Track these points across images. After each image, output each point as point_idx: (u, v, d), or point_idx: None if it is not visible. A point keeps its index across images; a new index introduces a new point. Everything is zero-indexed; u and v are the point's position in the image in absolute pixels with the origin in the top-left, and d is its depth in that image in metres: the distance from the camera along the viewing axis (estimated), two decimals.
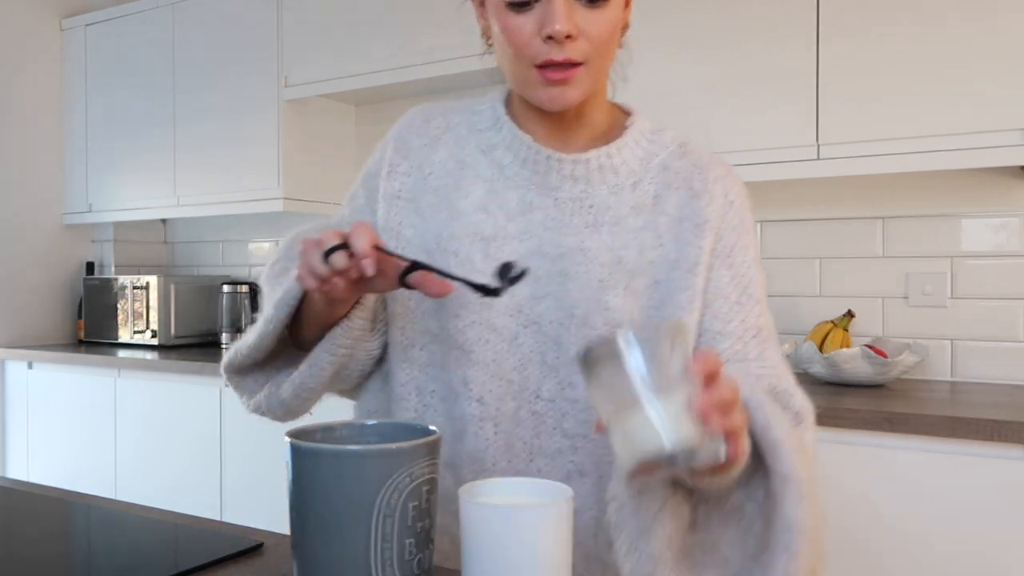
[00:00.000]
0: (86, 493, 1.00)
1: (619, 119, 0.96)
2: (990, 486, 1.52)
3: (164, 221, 3.65)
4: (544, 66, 0.82)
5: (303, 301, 0.85)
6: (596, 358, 0.62)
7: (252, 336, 0.88)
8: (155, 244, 3.62)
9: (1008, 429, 1.48)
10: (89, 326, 3.27)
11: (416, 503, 0.61)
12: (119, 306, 3.17)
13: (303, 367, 0.87)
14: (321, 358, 0.86)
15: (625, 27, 0.90)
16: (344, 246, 0.73)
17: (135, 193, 3.17)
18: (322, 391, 0.90)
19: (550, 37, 0.80)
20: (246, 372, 0.92)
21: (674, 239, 0.88)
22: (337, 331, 0.85)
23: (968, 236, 2.08)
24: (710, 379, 0.63)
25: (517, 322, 0.87)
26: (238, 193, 2.88)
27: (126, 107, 3.20)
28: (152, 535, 0.83)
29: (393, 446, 0.60)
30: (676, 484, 0.77)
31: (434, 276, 0.76)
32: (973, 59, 1.78)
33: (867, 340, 2.17)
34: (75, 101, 3.36)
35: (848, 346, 2.07)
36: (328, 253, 0.73)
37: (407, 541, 0.61)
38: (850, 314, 2.15)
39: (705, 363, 0.63)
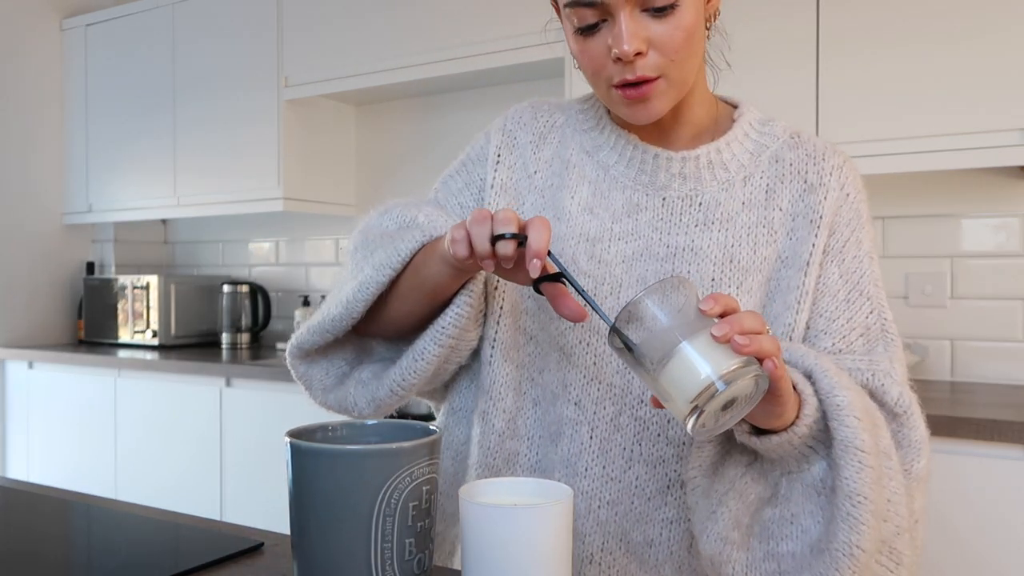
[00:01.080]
0: (86, 493, 1.00)
1: (725, 112, 0.93)
2: (990, 486, 1.52)
3: (164, 221, 3.65)
4: (619, 86, 0.80)
5: (403, 272, 0.82)
6: (621, 329, 0.65)
7: (335, 308, 0.84)
8: (155, 244, 3.63)
9: (1008, 429, 1.48)
10: (89, 326, 3.27)
11: (416, 503, 0.61)
12: (119, 306, 3.17)
13: (406, 360, 0.84)
14: (428, 349, 0.83)
15: (715, 14, 0.87)
16: (516, 236, 0.70)
17: (135, 193, 3.17)
18: (420, 387, 0.88)
19: (619, 59, 0.78)
20: (313, 359, 0.90)
21: (788, 235, 0.85)
22: (448, 318, 0.82)
23: (968, 236, 2.08)
24: (727, 313, 0.65)
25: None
26: (238, 193, 2.88)
27: (126, 107, 3.20)
28: (152, 535, 0.83)
29: (393, 446, 0.60)
30: (750, 463, 0.78)
31: (571, 295, 0.72)
32: (973, 59, 1.78)
33: None
34: (75, 101, 3.36)
35: None
36: (497, 238, 0.71)
37: (407, 541, 0.61)
38: None
39: (716, 300, 0.65)
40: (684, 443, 0.83)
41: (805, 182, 0.87)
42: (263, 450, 2.50)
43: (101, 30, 3.28)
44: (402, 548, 0.61)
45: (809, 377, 0.74)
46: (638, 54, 0.78)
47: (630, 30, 0.77)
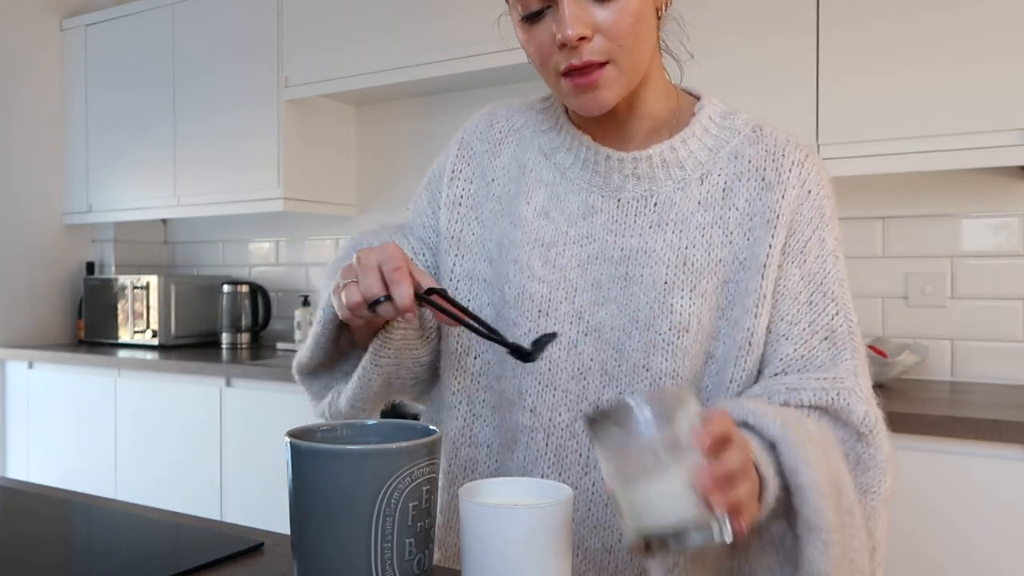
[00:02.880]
0: (86, 493, 1.00)
1: (686, 105, 0.91)
2: (990, 486, 1.52)
3: (164, 221, 3.65)
4: (567, 73, 0.79)
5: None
6: (604, 420, 0.61)
7: (309, 340, 0.88)
8: (155, 244, 3.62)
9: (1008, 429, 1.48)
10: (89, 326, 3.27)
11: (416, 503, 0.61)
12: (119, 306, 3.17)
13: (353, 379, 0.86)
14: (368, 370, 0.85)
15: (666, 2, 0.86)
16: (388, 298, 0.73)
17: (135, 193, 3.17)
18: (378, 400, 0.89)
19: (563, 44, 0.77)
20: (315, 374, 0.92)
21: (744, 236, 0.83)
22: (378, 344, 0.84)
23: (968, 236, 2.08)
24: (718, 446, 0.60)
25: (577, 329, 0.83)
26: (238, 193, 2.88)
27: (126, 107, 3.20)
28: (152, 535, 0.83)
29: (393, 446, 0.60)
30: None
31: (442, 310, 0.75)
32: (973, 59, 1.78)
33: (867, 340, 2.16)
34: (75, 101, 3.36)
35: None
36: (373, 305, 0.74)
37: (407, 541, 0.61)
38: None
39: (713, 427, 0.59)
40: None
41: (763, 180, 0.84)
42: (263, 450, 2.50)
43: (101, 30, 3.28)
44: (402, 548, 0.61)
45: (773, 447, 0.71)
46: (582, 39, 0.76)
47: (573, 14, 0.76)
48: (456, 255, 0.90)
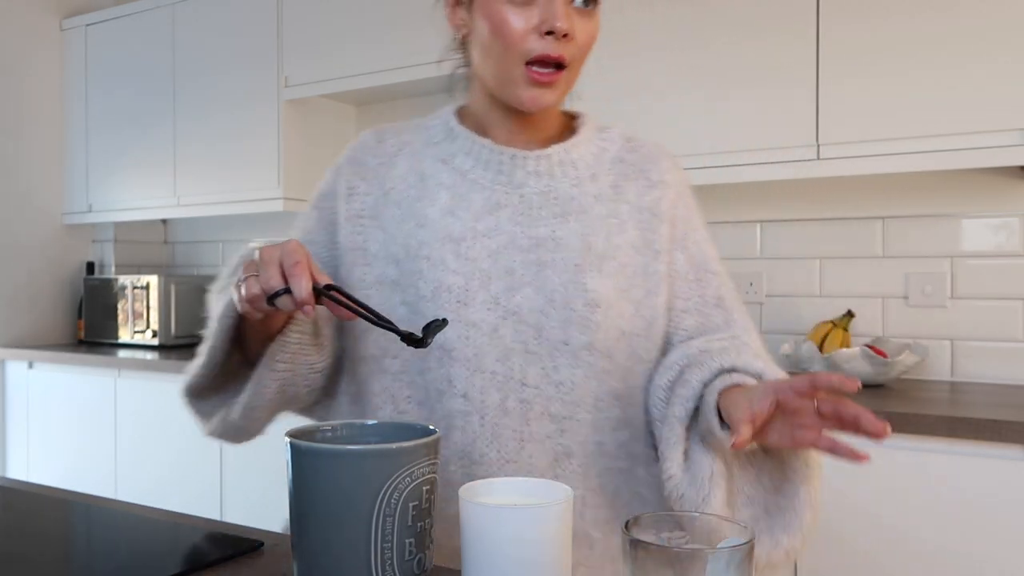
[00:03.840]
0: (86, 493, 1.00)
1: (567, 121, 1.02)
2: (990, 486, 1.52)
3: (164, 221, 3.65)
4: (535, 62, 0.86)
5: (243, 318, 0.85)
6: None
7: (203, 356, 0.89)
8: (155, 244, 3.62)
9: (1008, 429, 1.48)
10: (89, 326, 3.27)
11: (416, 503, 0.61)
12: (119, 306, 3.17)
13: (248, 387, 0.88)
14: (263, 375, 0.87)
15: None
16: (287, 291, 0.74)
17: (135, 193, 3.17)
18: (272, 410, 0.91)
19: (550, 32, 0.84)
20: (204, 395, 0.94)
21: (636, 226, 0.95)
22: (274, 347, 0.86)
23: (968, 236, 2.08)
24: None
25: (495, 315, 0.89)
26: (238, 193, 2.88)
27: (126, 107, 3.20)
28: (152, 535, 0.83)
29: (393, 446, 0.60)
30: (717, 450, 0.86)
31: (339, 304, 0.77)
32: (973, 59, 1.78)
33: (867, 340, 2.16)
34: (75, 101, 3.36)
35: (848, 346, 2.07)
36: (272, 298, 0.75)
37: (407, 541, 0.61)
38: (850, 314, 2.15)
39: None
40: (564, 417, 0.89)
41: (648, 179, 0.97)
42: (263, 450, 2.50)
43: (101, 30, 3.28)
44: (402, 548, 0.61)
45: (759, 378, 0.86)
46: (566, 35, 0.85)
47: (564, 11, 0.85)
48: (364, 265, 0.95)
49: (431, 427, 0.66)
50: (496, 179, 0.94)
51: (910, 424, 1.56)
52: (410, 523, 0.61)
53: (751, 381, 0.85)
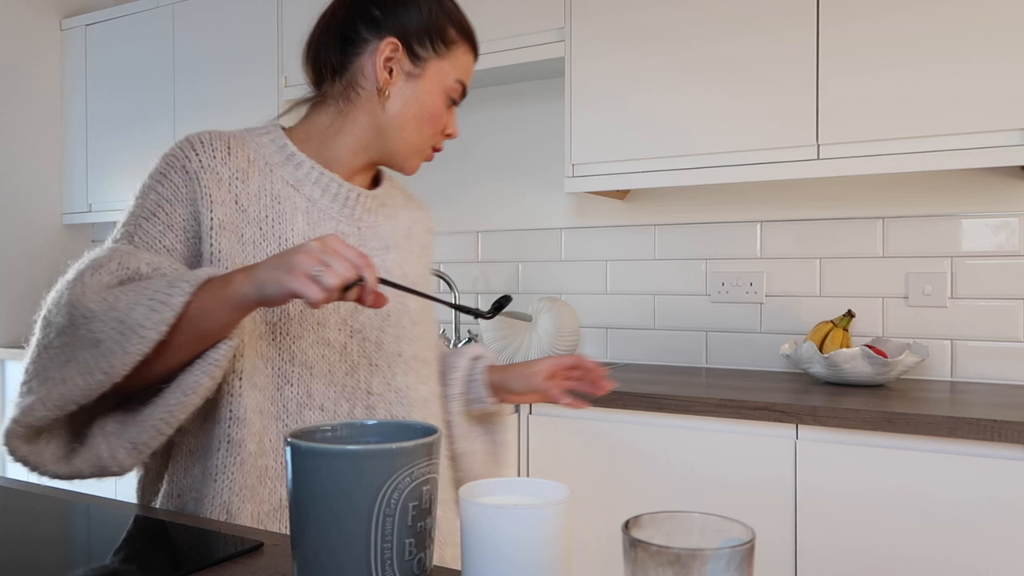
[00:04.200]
0: (86, 493, 1.00)
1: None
2: (990, 486, 1.52)
3: None
4: (436, 149, 1.10)
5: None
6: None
7: (87, 377, 0.82)
8: None
9: (1008, 429, 1.48)
10: None
11: (416, 503, 0.61)
12: None
13: (173, 396, 0.85)
14: (199, 381, 0.85)
15: None
16: (361, 280, 0.83)
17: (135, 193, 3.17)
18: (184, 419, 0.87)
19: (448, 135, 1.10)
20: (34, 437, 0.85)
21: (421, 259, 1.17)
22: (221, 351, 0.86)
23: (968, 236, 2.08)
24: None
25: (344, 333, 1.01)
26: None
27: (126, 107, 3.20)
28: (152, 535, 0.83)
29: (393, 446, 0.60)
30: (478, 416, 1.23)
31: (402, 289, 0.93)
32: (973, 59, 1.78)
33: (867, 340, 2.16)
34: (75, 101, 3.36)
35: (848, 346, 2.07)
36: (347, 287, 0.82)
37: (407, 541, 0.61)
38: (850, 314, 2.15)
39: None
40: (403, 416, 1.05)
41: (423, 224, 1.21)
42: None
43: (101, 30, 3.28)
44: (402, 548, 0.61)
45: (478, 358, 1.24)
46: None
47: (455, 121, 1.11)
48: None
49: (431, 427, 0.66)
50: (341, 211, 1.05)
51: (910, 424, 1.56)
52: (410, 523, 0.61)
53: (494, 362, 1.22)
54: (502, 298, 1.03)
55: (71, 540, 0.83)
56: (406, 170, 1.09)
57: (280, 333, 0.97)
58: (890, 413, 1.59)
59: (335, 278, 0.80)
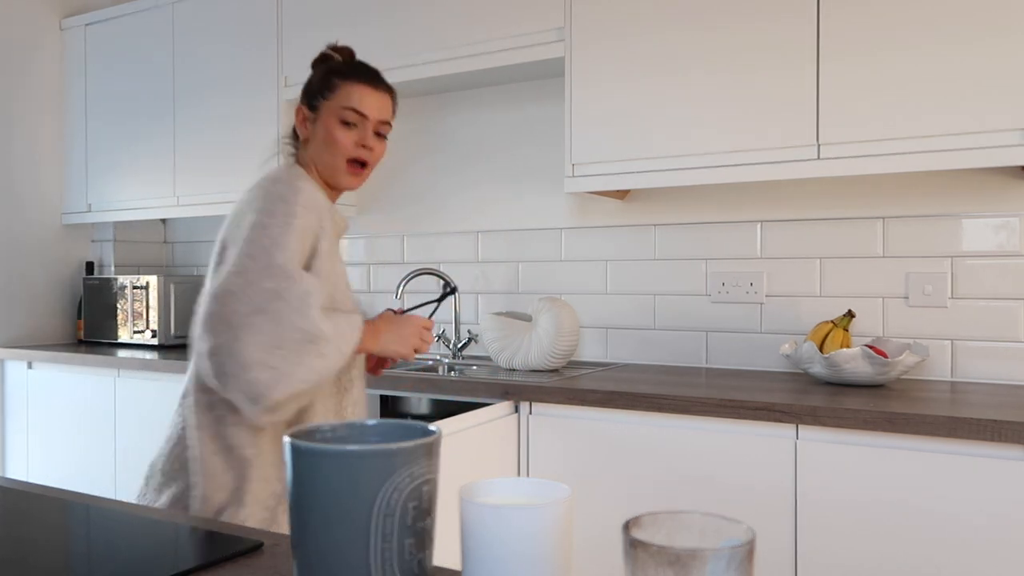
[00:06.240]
0: (86, 493, 1.00)
1: None
2: (990, 486, 1.52)
3: (164, 221, 3.64)
4: (353, 161, 1.45)
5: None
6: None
7: (321, 374, 1.24)
8: (155, 244, 3.62)
9: (1008, 429, 1.48)
10: (89, 326, 3.27)
11: (416, 503, 0.61)
12: (119, 306, 3.17)
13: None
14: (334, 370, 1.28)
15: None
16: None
17: (135, 193, 3.17)
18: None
19: (363, 146, 1.44)
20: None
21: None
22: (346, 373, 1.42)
23: (968, 236, 2.08)
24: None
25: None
26: (238, 193, 2.87)
27: (126, 107, 3.20)
28: (152, 535, 0.83)
29: (393, 446, 0.60)
30: None
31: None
32: (973, 59, 1.78)
33: (867, 340, 2.16)
34: (75, 101, 3.36)
35: (848, 346, 2.07)
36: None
37: (407, 541, 0.61)
38: (850, 314, 2.15)
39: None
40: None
41: None
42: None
43: (101, 30, 3.27)
44: (402, 548, 0.61)
45: None
46: (370, 150, 1.45)
47: (372, 136, 1.46)
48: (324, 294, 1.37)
49: (431, 427, 0.66)
50: (338, 239, 1.45)
51: (910, 424, 1.56)
52: (410, 523, 0.61)
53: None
54: (443, 289, 1.19)
55: (71, 540, 0.83)
56: (343, 184, 1.46)
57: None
58: (890, 413, 1.59)
59: (426, 348, 1.43)
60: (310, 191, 1.35)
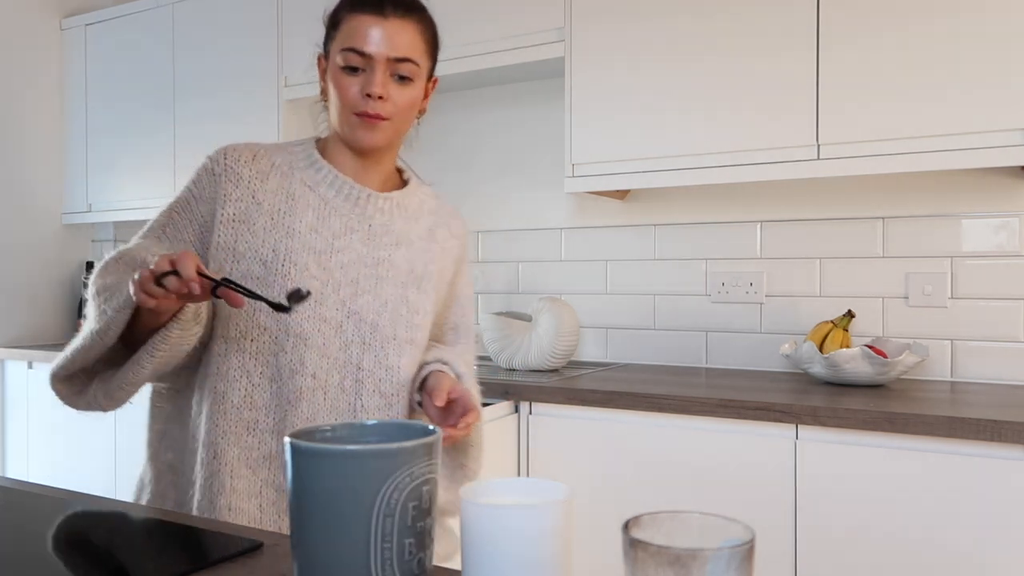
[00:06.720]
0: (86, 493, 1.00)
1: (398, 174, 1.32)
2: (990, 486, 1.52)
3: None
4: (361, 114, 1.14)
5: (136, 313, 1.02)
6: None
7: (82, 341, 1.05)
8: None
9: (1008, 429, 1.48)
10: None
11: (416, 503, 0.61)
12: None
13: (128, 365, 1.05)
14: (142, 359, 1.04)
15: (422, 111, 1.24)
16: (174, 272, 0.91)
17: (135, 193, 3.17)
18: (143, 384, 1.10)
19: (368, 95, 1.13)
20: (73, 377, 1.10)
21: (438, 261, 1.27)
22: (157, 338, 1.03)
23: (968, 236, 2.08)
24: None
25: (342, 314, 1.15)
26: None
27: (126, 107, 3.20)
28: (152, 535, 0.83)
29: (393, 446, 0.60)
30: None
31: (235, 292, 0.94)
32: (973, 59, 1.78)
33: (867, 340, 2.16)
34: (75, 101, 3.36)
35: (848, 346, 2.07)
36: (160, 278, 0.91)
37: (407, 541, 0.61)
38: (850, 314, 2.15)
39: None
40: (392, 395, 1.18)
41: (449, 230, 1.31)
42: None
43: (101, 30, 3.27)
44: (402, 548, 0.61)
45: (459, 377, 1.22)
46: (380, 97, 1.13)
47: (381, 80, 1.14)
48: (233, 262, 1.14)
49: (431, 427, 0.66)
50: (352, 210, 1.19)
51: (910, 424, 1.56)
52: (410, 523, 0.61)
53: (451, 373, 1.21)
54: (300, 291, 0.96)
55: (71, 540, 0.83)
56: (357, 142, 1.17)
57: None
58: (890, 413, 1.59)
59: (144, 272, 0.92)
60: (225, 160, 1.17)
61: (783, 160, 1.97)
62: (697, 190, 2.43)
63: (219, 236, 1.14)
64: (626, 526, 0.54)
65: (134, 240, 1.17)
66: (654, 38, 2.13)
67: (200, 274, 0.92)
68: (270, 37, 2.80)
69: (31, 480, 2.73)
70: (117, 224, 3.44)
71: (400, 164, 1.33)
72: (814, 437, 1.68)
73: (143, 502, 1.22)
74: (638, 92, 2.16)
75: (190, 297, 0.96)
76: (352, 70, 1.15)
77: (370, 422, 0.70)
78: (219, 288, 0.94)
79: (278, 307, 0.96)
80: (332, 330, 1.14)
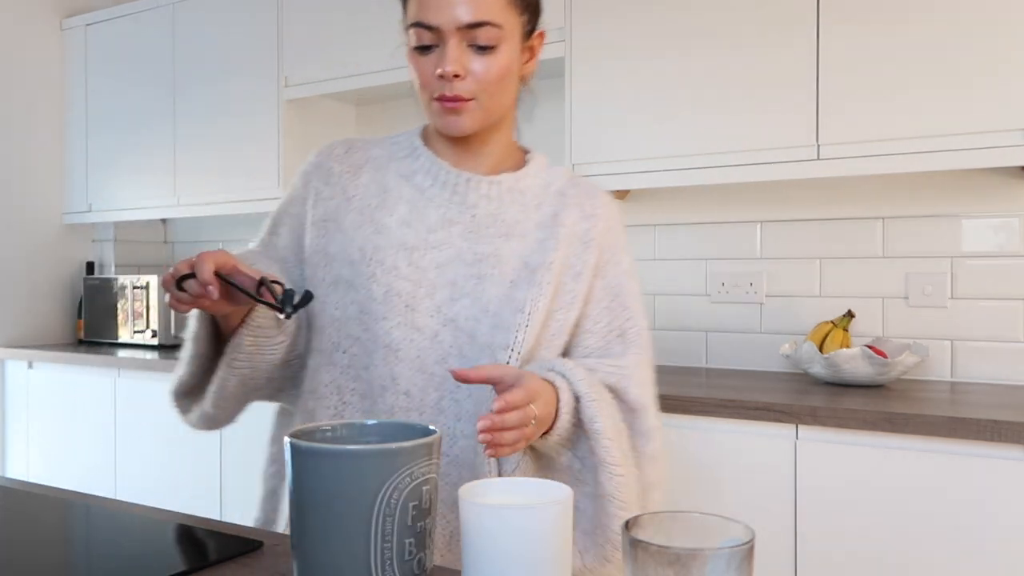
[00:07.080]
0: (86, 493, 1.00)
1: (520, 155, 1.12)
2: (990, 486, 1.52)
3: (164, 221, 3.64)
4: (439, 99, 0.98)
5: (216, 326, 0.97)
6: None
7: (183, 353, 1.01)
8: (155, 244, 3.62)
9: (1008, 429, 1.48)
10: (89, 326, 3.27)
11: (416, 503, 0.61)
12: (119, 306, 3.17)
13: (214, 381, 0.99)
14: (224, 372, 0.98)
15: (530, 75, 1.07)
16: (192, 275, 0.83)
17: (135, 193, 3.17)
18: (239, 399, 1.03)
19: (441, 76, 0.96)
20: (189, 393, 1.04)
21: (566, 248, 1.04)
22: (230, 348, 0.96)
23: (968, 236, 2.08)
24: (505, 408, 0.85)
25: (437, 321, 0.99)
26: (238, 193, 2.88)
27: (127, 107, 3.20)
28: (152, 535, 0.83)
29: (393, 446, 0.60)
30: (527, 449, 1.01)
31: (240, 292, 0.86)
32: (973, 59, 1.78)
33: (867, 340, 2.16)
34: (75, 101, 3.36)
35: (848, 346, 2.07)
36: (180, 281, 0.84)
37: (407, 541, 0.61)
38: (850, 314, 2.15)
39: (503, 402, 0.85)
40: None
41: (583, 211, 1.07)
42: (263, 450, 2.50)
43: (101, 30, 3.28)
44: (402, 548, 0.61)
45: (577, 400, 0.96)
46: (456, 76, 0.96)
47: (453, 56, 0.96)
48: (324, 266, 1.04)
49: (431, 427, 0.66)
50: (451, 199, 1.04)
51: (910, 424, 1.56)
52: (410, 523, 0.61)
53: (567, 388, 0.97)
54: (294, 292, 0.86)
55: (71, 540, 0.83)
56: (447, 131, 1.01)
57: (368, 313, 1.00)
58: (890, 413, 1.59)
59: (166, 276, 0.85)
60: (315, 158, 1.10)
61: (783, 160, 1.97)
62: (697, 190, 2.43)
63: (311, 239, 1.06)
64: (626, 526, 0.54)
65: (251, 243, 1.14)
66: (654, 38, 2.13)
67: (229, 275, 0.83)
68: (270, 37, 2.80)
69: (31, 480, 2.73)
70: (117, 224, 3.44)
71: (521, 145, 1.15)
72: (814, 437, 1.68)
73: (257, 525, 1.13)
74: (638, 92, 2.16)
75: (231, 300, 0.87)
76: (425, 49, 0.98)
77: (370, 422, 0.70)
78: (228, 287, 0.86)
79: (275, 308, 0.85)
80: (427, 340, 0.98)
